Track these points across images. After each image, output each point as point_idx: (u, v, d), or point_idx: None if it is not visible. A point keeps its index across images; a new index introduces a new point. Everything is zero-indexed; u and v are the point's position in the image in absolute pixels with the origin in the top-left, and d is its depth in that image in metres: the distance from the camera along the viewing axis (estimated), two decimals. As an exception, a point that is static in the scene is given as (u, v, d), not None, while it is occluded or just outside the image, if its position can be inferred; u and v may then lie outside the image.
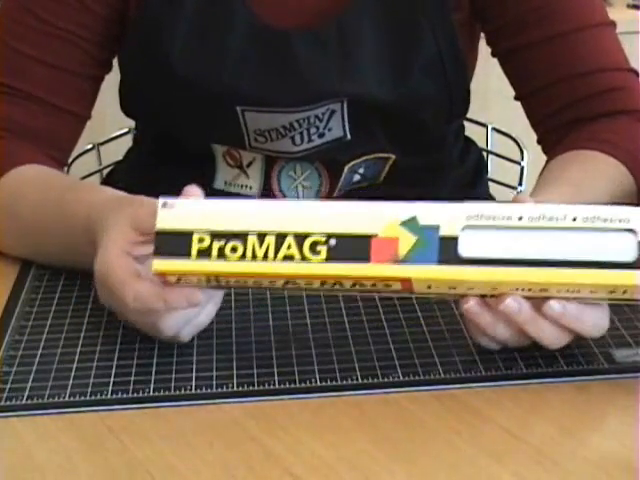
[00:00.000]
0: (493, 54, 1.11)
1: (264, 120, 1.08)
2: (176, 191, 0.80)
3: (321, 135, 1.09)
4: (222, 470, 0.69)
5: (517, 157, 1.49)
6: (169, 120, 1.13)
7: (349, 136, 1.09)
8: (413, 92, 1.08)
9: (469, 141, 1.33)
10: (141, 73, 1.09)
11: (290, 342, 0.83)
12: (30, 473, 0.69)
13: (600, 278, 0.73)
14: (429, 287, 0.75)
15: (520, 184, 1.49)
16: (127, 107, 1.15)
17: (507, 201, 1.28)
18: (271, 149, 1.11)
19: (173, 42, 1.06)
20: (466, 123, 1.36)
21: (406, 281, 0.74)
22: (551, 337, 0.77)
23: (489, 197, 1.32)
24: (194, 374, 0.79)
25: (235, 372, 0.79)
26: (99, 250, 0.82)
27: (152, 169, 1.20)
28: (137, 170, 1.25)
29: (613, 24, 1.09)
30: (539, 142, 1.12)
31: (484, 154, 1.42)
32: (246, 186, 1.15)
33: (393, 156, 1.14)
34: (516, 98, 1.12)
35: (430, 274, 0.73)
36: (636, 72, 1.09)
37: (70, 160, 1.27)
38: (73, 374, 0.80)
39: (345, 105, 1.07)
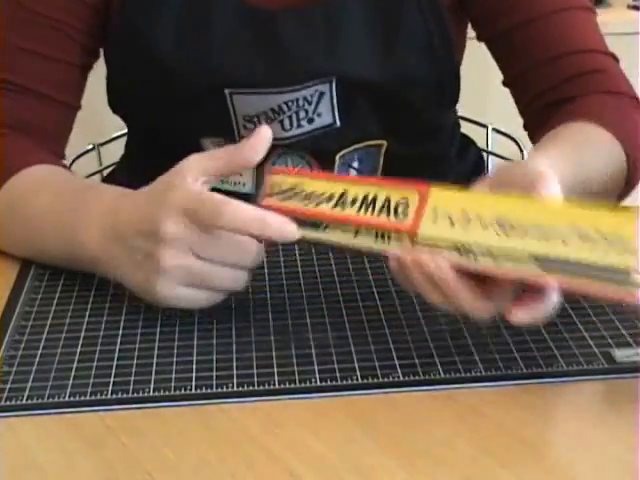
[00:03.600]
0: (478, 39, 1.13)
1: (252, 103, 1.08)
2: None
3: (310, 120, 1.09)
4: (222, 470, 0.69)
5: (517, 157, 1.48)
6: (157, 113, 1.12)
7: (339, 123, 1.10)
8: (401, 70, 1.09)
9: (468, 140, 1.33)
10: (127, 62, 1.10)
11: (290, 342, 0.83)
12: (30, 473, 0.69)
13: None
14: None
15: (520, 184, 1.49)
16: (115, 104, 1.15)
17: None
18: None
19: (158, 27, 1.06)
20: (466, 123, 1.36)
21: None
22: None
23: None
24: (194, 374, 0.79)
25: (235, 372, 0.79)
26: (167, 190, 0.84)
27: (144, 170, 1.21)
28: (132, 171, 1.25)
29: (592, 9, 1.10)
30: (525, 127, 1.13)
31: (484, 154, 1.42)
32: (239, 183, 1.15)
33: (385, 143, 1.14)
34: (504, 84, 1.13)
35: None
36: (615, 57, 1.10)
37: (70, 160, 1.27)
38: (73, 374, 0.80)
39: (334, 86, 1.07)
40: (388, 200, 0.78)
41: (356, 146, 1.13)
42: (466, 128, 1.34)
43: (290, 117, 1.09)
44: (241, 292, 0.91)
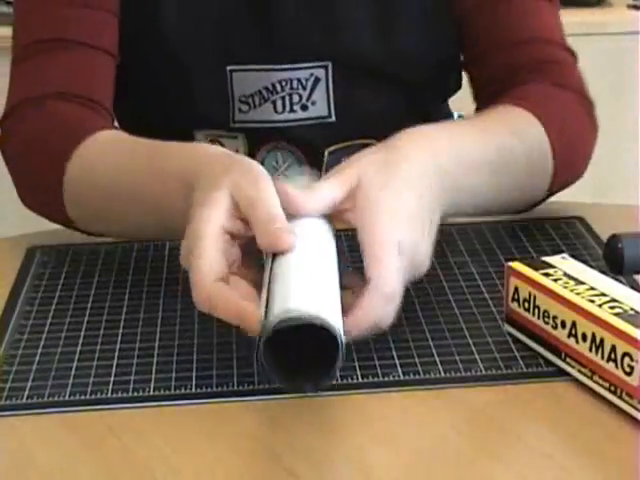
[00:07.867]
0: (450, 14, 1.11)
1: (250, 81, 1.09)
2: None
3: (304, 107, 1.10)
4: (222, 470, 0.69)
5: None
6: (153, 102, 1.12)
7: (334, 117, 1.10)
8: (399, 47, 1.09)
9: None
10: (132, 41, 1.08)
11: (290, 342, 0.83)
12: (30, 473, 0.69)
13: None
14: None
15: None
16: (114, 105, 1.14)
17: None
18: (254, 120, 1.11)
19: (162, 8, 1.06)
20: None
21: None
22: None
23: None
24: (194, 374, 0.79)
25: (235, 371, 0.79)
26: (194, 215, 0.78)
27: None
28: None
29: (556, 3, 1.11)
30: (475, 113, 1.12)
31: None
32: None
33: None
34: (464, 66, 1.14)
35: None
36: (574, 53, 1.10)
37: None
38: (73, 374, 0.80)
39: (330, 73, 1.08)
40: (614, 348, 0.74)
41: (349, 142, 1.13)
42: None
43: (283, 98, 1.09)
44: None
